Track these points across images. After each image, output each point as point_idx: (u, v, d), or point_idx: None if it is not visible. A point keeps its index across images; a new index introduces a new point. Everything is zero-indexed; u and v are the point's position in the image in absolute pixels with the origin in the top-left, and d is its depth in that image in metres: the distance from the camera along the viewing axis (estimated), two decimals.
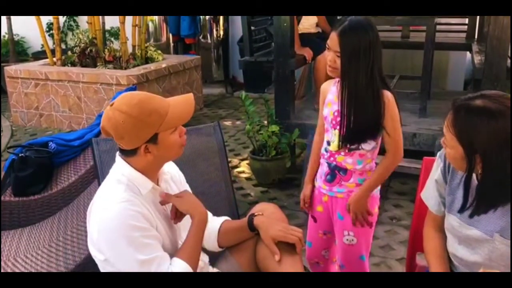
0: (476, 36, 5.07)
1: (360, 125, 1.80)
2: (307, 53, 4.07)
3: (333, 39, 1.75)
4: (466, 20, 5.27)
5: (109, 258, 1.42)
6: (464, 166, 1.35)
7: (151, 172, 1.53)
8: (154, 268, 1.41)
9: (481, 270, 1.34)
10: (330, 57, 1.78)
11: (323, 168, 1.96)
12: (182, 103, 1.51)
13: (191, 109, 1.52)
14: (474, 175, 1.39)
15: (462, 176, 1.42)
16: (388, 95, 1.79)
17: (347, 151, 1.87)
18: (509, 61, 3.69)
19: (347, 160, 1.89)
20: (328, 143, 1.91)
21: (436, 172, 1.58)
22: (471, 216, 1.40)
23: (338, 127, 1.85)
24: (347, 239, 1.97)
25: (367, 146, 1.85)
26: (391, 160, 1.88)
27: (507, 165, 1.26)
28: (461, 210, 1.42)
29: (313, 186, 2.04)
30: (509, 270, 1.39)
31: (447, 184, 1.53)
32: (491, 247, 1.40)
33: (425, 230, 1.66)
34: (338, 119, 1.84)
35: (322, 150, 1.96)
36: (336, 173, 1.92)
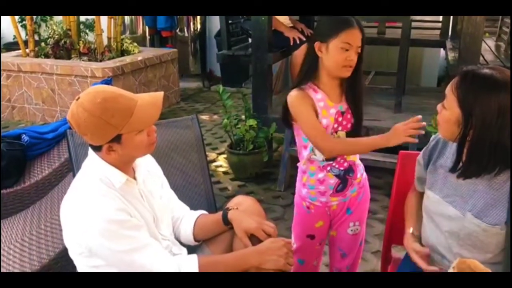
0: (450, 33, 5.17)
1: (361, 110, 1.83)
2: (295, 34, 4.03)
3: (355, 36, 1.69)
4: (440, 18, 5.37)
5: (88, 252, 1.42)
6: (453, 130, 1.41)
7: (123, 166, 1.51)
8: (137, 257, 1.42)
9: (451, 270, 1.37)
10: (353, 57, 1.70)
11: (329, 181, 1.86)
12: (149, 104, 1.46)
13: (157, 112, 1.47)
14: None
15: (448, 156, 1.52)
16: None
17: None
18: (481, 58, 3.78)
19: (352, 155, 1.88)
20: None
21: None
22: (459, 176, 1.45)
23: (340, 127, 1.81)
24: (352, 230, 1.98)
25: None
26: None
27: (499, 134, 1.32)
28: (453, 169, 1.47)
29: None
30: (474, 249, 1.47)
31: (431, 163, 1.60)
32: (461, 225, 1.47)
33: (409, 194, 1.78)
34: (340, 119, 1.80)
35: (322, 163, 1.85)
36: (347, 178, 1.88)
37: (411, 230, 1.64)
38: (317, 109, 1.77)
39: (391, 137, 1.67)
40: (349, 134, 1.82)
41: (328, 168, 1.85)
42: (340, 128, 1.81)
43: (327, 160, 1.83)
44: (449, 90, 1.41)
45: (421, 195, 1.68)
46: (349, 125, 1.82)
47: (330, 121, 1.79)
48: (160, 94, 1.50)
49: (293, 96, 1.78)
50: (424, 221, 1.63)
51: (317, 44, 1.74)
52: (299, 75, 1.84)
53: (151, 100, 1.47)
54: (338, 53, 1.70)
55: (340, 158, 1.85)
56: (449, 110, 1.40)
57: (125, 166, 1.52)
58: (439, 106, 1.46)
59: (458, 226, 1.48)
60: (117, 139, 1.42)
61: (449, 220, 1.50)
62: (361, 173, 1.94)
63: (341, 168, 1.86)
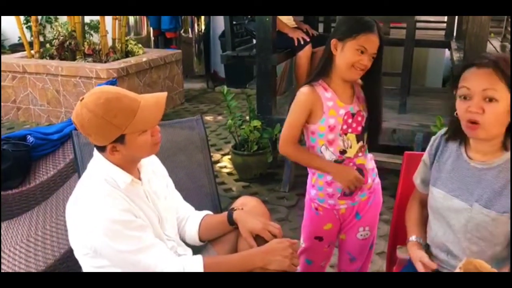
0: (454, 34, 5.15)
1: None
2: (300, 35, 4.01)
3: (374, 42, 1.68)
4: (445, 18, 5.35)
5: (93, 253, 1.42)
6: (506, 121, 1.38)
7: (128, 166, 1.52)
8: (142, 257, 1.42)
9: (457, 270, 1.37)
10: (365, 62, 1.69)
11: (337, 185, 1.84)
12: (153, 105, 1.46)
13: (160, 113, 1.47)
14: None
15: (452, 151, 1.54)
16: None
17: (363, 149, 1.84)
18: None
19: (362, 159, 1.85)
20: (343, 151, 1.81)
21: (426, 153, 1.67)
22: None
23: (350, 130, 1.78)
24: (361, 235, 1.96)
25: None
26: None
27: None
28: None
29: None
30: (483, 242, 1.46)
31: (436, 160, 1.60)
32: (468, 216, 1.47)
33: (409, 203, 1.76)
34: (350, 120, 1.77)
35: None
36: None
37: (414, 238, 1.63)
38: (323, 107, 1.76)
39: (339, 174, 1.79)
40: (373, 137, 1.83)
41: None
42: (350, 130, 1.78)
43: (335, 162, 1.82)
44: (493, 81, 1.35)
45: (422, 202, 1.67)
46: (359, 128, 1.80)
47: (338, 122, 1.76)
48: (164, 94, 1.50)
49: (300, 91, 1.78)
50: (430, 220, 1.62)
51: (333, 41, 1.73)
52: (314, 71, 1.84)
53: (154, 100, 1.47)
54: (351, 54, 1.69)
55: (349, 162, 1.82)
56: (501, 101, 1.36)
57: (130, 166, 1.53)
58: (479, 108, 1.37)
59: (465, 218, 1.47)
60: (121, 139, 1.42)
61: (456, 213, 1.50)
62: (372, 179, 1.90)
63: None
